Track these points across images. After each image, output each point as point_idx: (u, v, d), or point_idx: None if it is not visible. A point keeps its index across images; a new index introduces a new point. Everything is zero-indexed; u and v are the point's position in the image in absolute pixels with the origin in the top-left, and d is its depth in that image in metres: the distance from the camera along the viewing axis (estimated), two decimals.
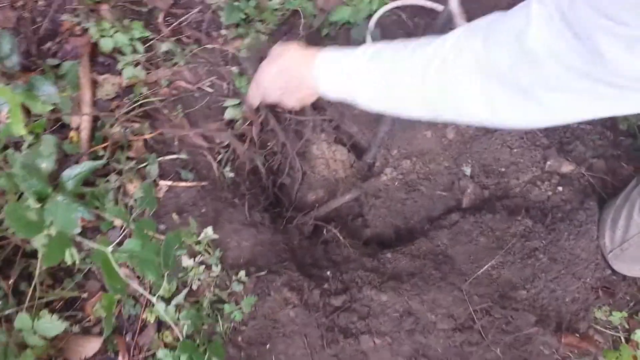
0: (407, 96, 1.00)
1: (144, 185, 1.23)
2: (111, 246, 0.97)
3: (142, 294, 1.35)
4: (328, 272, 1.43)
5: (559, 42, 0.71)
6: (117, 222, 1.33)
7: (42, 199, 1.14)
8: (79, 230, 1.24)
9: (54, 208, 0.91)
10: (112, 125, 1.41)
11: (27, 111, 1.39)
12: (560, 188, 1.44)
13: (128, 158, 1.41)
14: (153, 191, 1.25)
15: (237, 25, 1.56)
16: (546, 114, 0.82)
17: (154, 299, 1.19)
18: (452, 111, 0.95)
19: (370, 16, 1.57)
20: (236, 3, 1.53)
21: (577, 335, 1.36)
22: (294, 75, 1.19)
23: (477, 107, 0.89)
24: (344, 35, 1.64)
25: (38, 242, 0.96)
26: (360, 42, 1.61)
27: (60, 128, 1.43)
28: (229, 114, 1.51)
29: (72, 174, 1.22)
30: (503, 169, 1.50)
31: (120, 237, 1.35)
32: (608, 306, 1.39)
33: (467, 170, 1.53)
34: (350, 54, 1.10)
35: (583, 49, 0.69)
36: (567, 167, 1.47)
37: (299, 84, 1.20)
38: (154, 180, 1.39)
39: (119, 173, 1.37)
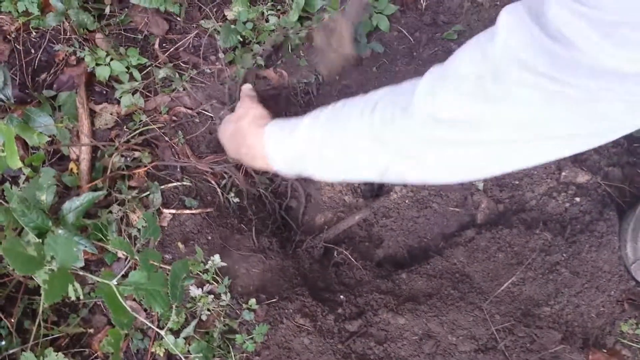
0: (354, 139, 0.92)
1: (146, 214, 1.19)
2: (115, 279, 0.92)
3: (150, 327, 1.30)
4: (341, 296, 1.38)
5: (528, 45, 0.67)
6: (122, 253, 1.29)
7: (42, 233, 1.10)
8: (82, 264, 1.20)
9: (53, 242, 0.86)
10: (112, 155, 1.37)
11: (25, 144, 1.36)
12: (577, 199, 1.40)
13: (130, 187, 1.37)
14: (156, 220, 1.21)
15: (235, 48, 1.53)
16: (512, 127, 0.74)
17: (162, 332, 1.14)
18: (402, 131, 0.84)
19: (371, 32, 1.54)
20: (232, 26, 1.50)
21: (605, 351, 1.31)
22: (245, 144, 1.18)
23: (432, 125, 0.80)
24: None
25: (40, 278, 0.91)
26: (361, 57, 1.58)
27: (59, 160, 1.40)
28: None
29: (72, 206, 1.19)
30: (517, 182, 1.46)
31: (126, 269, 1.30)
32: (634, 319, 1.34)
33: (480, 185, 1.48)
34: (294, 125, 1.05)
35: (555, 46, 0.64)
36: (583, 177, 1.42)
37: (252, 155, 1.17)
38: (158, 209, 1.35)
39: (121, 203, 1.33)
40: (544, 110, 0.69)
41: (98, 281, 0.92)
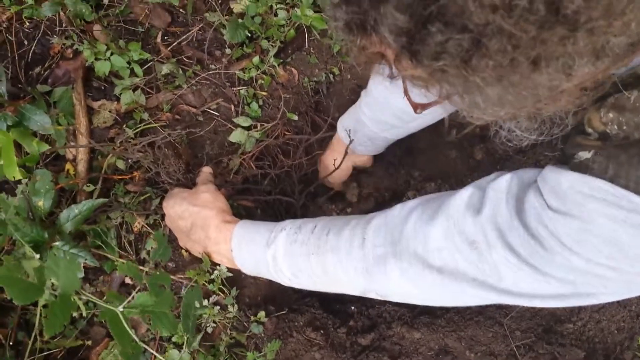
0: (342, 270, 0.97)
1: (157, 234, 1.11)
2: (122, 306, 0.85)
3: (151, 339, 1.23)
4: (353, 307, 1.32)
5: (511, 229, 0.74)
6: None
7: (38, 246, 1.03)
8: (81, 274, 1.14)
9: (55, 265, 0.79)
10: (111, 156, 1.30)
11: (17, 143, 1.27)
12: None
13: (130, 191, 1.30)
14: (166, 239, 1.13)
15: (242, 44, 1.45)
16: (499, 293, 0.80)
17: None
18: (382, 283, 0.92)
19: None
20: (240, 20, 1.42)
21: None
22: (206, 235, 1.15)
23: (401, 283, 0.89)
24: None
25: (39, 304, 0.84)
26: None
27: (55, 160, 1.31)
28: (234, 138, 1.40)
29: (70, 215, 1.12)
30: None
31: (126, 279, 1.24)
32: None
33: None
34: (267, 237, 1.07)
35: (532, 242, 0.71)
36: None
37: (212, 249, 1.16)
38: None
39: (121, 208, 1.25)
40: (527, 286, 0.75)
41: (102, 305, 0.85)
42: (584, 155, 0.66)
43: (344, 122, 1.38)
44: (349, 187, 1.50)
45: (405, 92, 0.71)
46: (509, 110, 0.55)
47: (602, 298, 0.72)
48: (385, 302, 1.31)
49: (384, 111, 1.25)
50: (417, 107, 0.72)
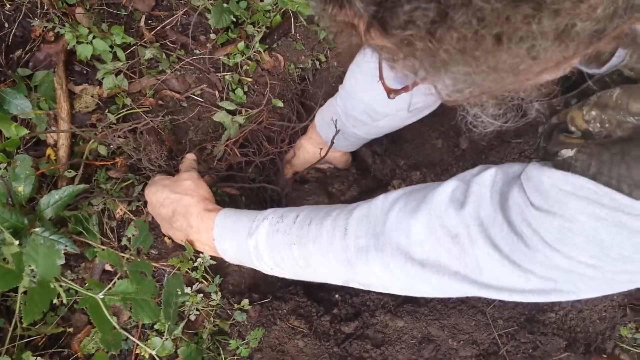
0: (323, 260, 0.96)
1: (138, 221, 1.10)
2: (102, 292, 0.84)
3: (134, 326, 1.22)
4: (337, 295, 1.32)
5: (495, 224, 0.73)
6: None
7: (17, 232, 1.01)
8: (62, 261, 1.12)
9: (34, 252, 0.77)
10: (92, 141, 1.28)
11: None
12: None
13: (112, 177, 1.28)
14: (147, 227, 1.12)
15: (227, 29, 1.43)
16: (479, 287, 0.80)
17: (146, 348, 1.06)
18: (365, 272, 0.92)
19: None
20: (225, 5, 1.40)
21: (605, 355, 1.28)
22: (187, 223, 1.14)
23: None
24: None
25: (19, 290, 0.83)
26: None
27: (35, 145, 1.29)
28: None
29: (51, 200, 1.10)
30: None
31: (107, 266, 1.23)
32: (634, 323, 1.31)
33: None
34: (249, 227, 1.06)
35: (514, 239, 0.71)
36: None
37: (194, 238, 1.15)
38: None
39: (103, 194, 1.24)
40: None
41: (82, 292, 0.83)
42: (567, 153, 0.65)
43: (322, 112, 1.38)
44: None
45: (380, 77, 0.70)
46: (473, 90, 0.54)
47: (583, 294, 0.71)
48: (369, 291, 1.31)
49: (355, 105, 1.25)
50: (390, 92, 0.72)
